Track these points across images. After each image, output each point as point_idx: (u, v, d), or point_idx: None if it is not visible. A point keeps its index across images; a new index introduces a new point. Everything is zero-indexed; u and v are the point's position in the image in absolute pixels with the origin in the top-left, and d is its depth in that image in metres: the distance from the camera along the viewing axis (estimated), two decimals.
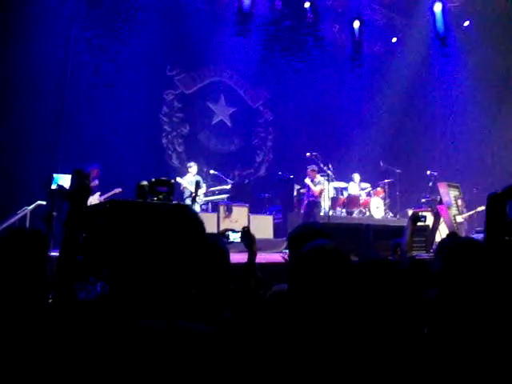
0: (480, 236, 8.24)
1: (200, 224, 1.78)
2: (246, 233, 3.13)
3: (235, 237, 3.16)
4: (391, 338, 1.39)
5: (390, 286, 1.49)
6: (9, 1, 9.44)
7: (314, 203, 10.82)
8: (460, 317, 1.84)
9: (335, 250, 1.72)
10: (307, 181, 11.01)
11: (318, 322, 1.56)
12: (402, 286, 1.51)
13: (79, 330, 1.76)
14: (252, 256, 3.06)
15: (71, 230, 1.86)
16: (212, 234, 2.69)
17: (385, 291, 1.48)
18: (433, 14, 14.51)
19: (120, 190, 9.26)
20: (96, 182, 9.12)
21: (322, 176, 11.73)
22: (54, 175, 6.19)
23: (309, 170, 11.02)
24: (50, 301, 1.89)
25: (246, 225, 3.40)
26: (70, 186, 1.94)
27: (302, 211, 11.26)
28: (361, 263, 1.62)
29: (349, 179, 13.38)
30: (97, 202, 8.35)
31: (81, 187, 1.91)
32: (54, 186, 4.98)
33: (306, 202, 11.01)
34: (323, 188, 11.02)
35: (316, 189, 10.83)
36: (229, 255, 2.38)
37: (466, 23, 14.51)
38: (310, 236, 2.20)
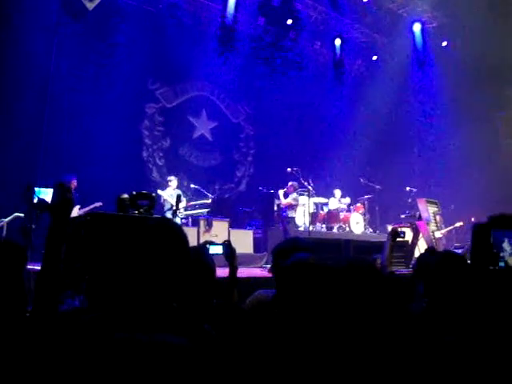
0: (459, 251, 8.32)
1: (184, 238, 1.77)
2: (227, 246, 3.10)
3: (215, 250, 3.09)
4: (379, 346, 1.39)
5: (374, 288, 1.50)
6: None
7: (287, 218, 10.89)
8: (448, 328, 1.85)
9: (318, 262, 1.74)
10: (280, 191, 11.13)
11: (303, 331, 1.57)
12: (385, 288, 1.51)
13: (57, 344, 1.73)
14: (233, 270, 3.04)
15: (54, 243, 1.83)
16: (196, 248, 2.67)
17: (369, 294, 1.49)
18: (412, 33, 14.81)
19: (100, 203, 9.16)
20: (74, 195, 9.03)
21: (302, 191, 11.80)
22: (36, 189, 6.11)
23: (290, 184, 11.11)
24: (28, 314, 1.86)
25: (226, 239, 3.37)
26: (52, 200, 1.92)
27: (280, 227, 11.30)
28: (340, 267, 1.62)
29: (329, 195, 13.45)
30: (76, 215, 8.24)
31: (63, 201, 1.89)
32: (35, 200, 4.92)
33: (282, 217, 11.09)
34: (292, 203, 11.05)
35: (284, 201, 10.93)
36: (215, 269, 2.37)
37: (444, 43, 14.82)
38: (293, 251, 2.21)
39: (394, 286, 1.50)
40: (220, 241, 3.18)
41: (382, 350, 1.37)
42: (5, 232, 7.56)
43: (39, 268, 1.84)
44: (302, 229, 11.69)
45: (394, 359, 1.37)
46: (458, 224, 11.49)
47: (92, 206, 9.09)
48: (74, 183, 9.14)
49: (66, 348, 1.62)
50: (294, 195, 11.15)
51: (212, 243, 3.10)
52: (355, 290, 1.47)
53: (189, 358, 1.21)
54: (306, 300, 1.64)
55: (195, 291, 2.14)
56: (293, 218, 11.16)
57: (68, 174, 9.09)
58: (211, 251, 3.03)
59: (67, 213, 1.91)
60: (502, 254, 2.64)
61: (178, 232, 1.77)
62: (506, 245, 2.75)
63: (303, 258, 1.79)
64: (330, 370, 1.38)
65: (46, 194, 6.54)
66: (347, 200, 13.54)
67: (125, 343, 1.17)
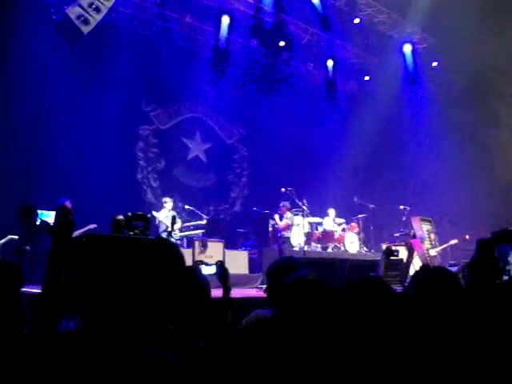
0: (454, 269, 8.34)
1: (180, 256, 1.79)
2: (220, 267, 3.08)
3: (208, 270, 3.07)
4: (388, 368, 1.37)
5: (384, 306, 1.44)
6: None
7: (281, 238, 10.95)
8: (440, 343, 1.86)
9: (316, 279, 1.76)
10: (275, 216, 11.22)
11: (304, 350, 1.58)
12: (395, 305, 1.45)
13: (53, 364, 1.73)
14: (226, 291, 3.01)
15: (55, 265, 1.85)
16: (189, 268, 2.66)
17: (379, 312, 1.43)
18: (403, 54, 15.02)
19: (95, 225, 9.12)
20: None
21: (296, 211, 11.84)
22: (39, 211, 6.12)
23: (280, 205, 11.22)
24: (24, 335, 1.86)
25: (219, 259, 3.37)
26: (55, 222, 1.94)
27: (275, 247, 11.31)
28: (347, 286, 1.60)
29: (323, 214, 13.46)
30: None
31: (65, 223, 1.91)
32: (38, 222, 4.93)
33: (277, 237, 11.14)
34: (289, 223, 11.15)
35: (281, 223, 10.99)
36: (209, 289, 2.36)
37: (435, 64, 15.02)
38: (288, 270, 2.22)
39: (403, 304, 1.47)
40: (215, 262, 3.17)
41: (391, 371, 1.34)
42: None
43: (35, 290, 1.86)
44: (296, 249, 11.68)
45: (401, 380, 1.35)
46: (452, 242, 11.51)
47: (86, 228, 9.04)
48: (68, 205, 9.12)
49: (62, 368, 1.63)
50: (289, 215, 11.21)
51: (204, 263, 3.10)
52: (364, 307, 1.42)
53: (183, 374, 1.20)
54: (307, 318, 1.65)
55: (190, 311, 2.14)
56: (288, 238, 11.19)
57: (62, 197, 9.09)
58: (204, 272, 2.99)
59: (68, 235, 1.93)
60: (508, 268, 2.68)
61: (174, 250, 1.78)
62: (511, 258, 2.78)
63: (303, 275, 1.81)
64: None
65: (48, 216, 6.54)
66: (341, 220, 13.57)
67: (122, 360, 1.17)
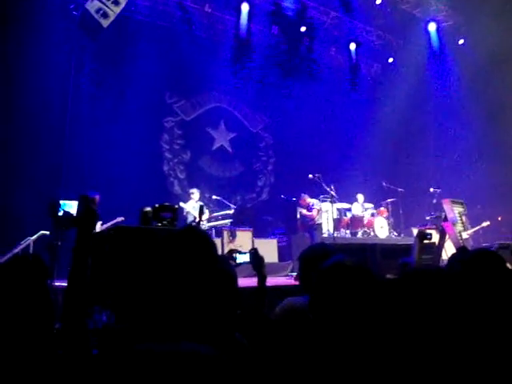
0: None
1: (211, 243, 1.74)
2: (254, 254, 2.94)
3: (242, 258, 2.96)
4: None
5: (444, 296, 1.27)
6: (11, 33, 9.53)
7: (313, 226, 10.82)
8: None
9: (355, 264, 1.69)
10: (302, 211, 11.12)
11: (342, 339, 1.52)
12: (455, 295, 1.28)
13: (87, 364, 1.70)
14: (262, 279, 2.89)
15: (80, 255, 1.82)
16: (220, 257, 2.59)
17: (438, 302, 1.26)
18: (427, 33, 14.68)
19: (122, 218, 9.17)
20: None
21: (324, 197, 11.74)
22: (61, 201, 6.15)
23: (299, 200, 11.17)
24: (56, 330, 1.84)
25: (252, 247, 3.27)
26: (77, 212, 1.91)
27: (306, 235, 11.24)
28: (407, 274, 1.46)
29: (351, 200, 13.35)
30: (99, 230, 8.26)
31: (88, 212, 1.88)
32: (60, 213, 4.94)
33: (308, 225, 11.02)
34: (318, 208, 11.01)
35: (313, 213, 10.86)
36: (236, 280, 2.29)
37: (461, 41, 14.64)
38: (321, 256, 2.16)
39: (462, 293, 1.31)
40: (245, 251, 3.09)
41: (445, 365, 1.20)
42: (31, 250, 7.63)
43: (66, 283, 1.83)
44: (325, 235, 11.62)
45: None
46: (484, 224, 11.28)
47: (114, 221, 9.10)
48: (97, 199, 9.19)
49: (88, 360, 1.60)
50: (314, 201, 11.09)
51: (238, 252, 2.98)
52: (426, 297, 1.26)
53: (217, 367, 1.15)
54: (347, 304, 1.58)
55: (219, 300, 2.08)
56: (319, 225, 11.08)
57: (91, 191, 9.16)
58: (238, 260, 2.93)
59: (92, 224, 1.90)
60: None
61: (205, 238, 1.73)
62: None
63: (340, 260, 1.73)
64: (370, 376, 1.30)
65: (71, 206, 6.57)
66: (370, 205, 13.43)
67: (144, 355, 1.12)
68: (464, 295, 1.22)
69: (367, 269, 1.69)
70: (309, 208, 10.98)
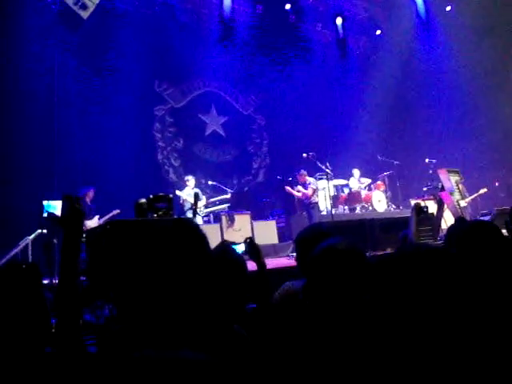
0: (486, 218, 8.18)
1: (202, 237, 1.71)
2: (250, 244, 2.81)
3: (238, 249, 2.76)
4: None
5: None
6: None
7: (310, 204, 10.80)
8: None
9: (348, 247, 1.66)
10: (299, 187, 11.07)
11: (336, 323, 1.50)
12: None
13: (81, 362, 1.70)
14: (261, 268, 2.76)
15: (67, 256, 1.80)
16: (218, 247, 2.51)
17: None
18: (414, 2, 14.55)
19: (118, 211, 9.15)
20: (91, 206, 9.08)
21: (320, 175, 11.73)
22: (44, 203, 6.12)
23: (297, 175, 11.08)
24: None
25: (249, 233, 3.24)
26: (62, 212, 1.88)
27: (304, 213, 11.23)
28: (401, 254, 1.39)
29: (348, 176, 13.34)
30: (96, 225, 8.25)
31: (72, 212, 1.85)
32: (44, 215, 4.91)
33: (305, 204, 11.00)
34: (314, 188, 10.98)
35: (308, 191, 10.83)
36: (245, 265, 2.21)
37: (448, 8, 14.50)
38: (317, 238, 2.13)
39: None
40: (243, 235, 3.06)
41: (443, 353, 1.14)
42: (30, 249, 7.63)
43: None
44: (324, 213, 11.62)
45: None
46: (482, 191, 11.32)
47: (111, 215, 9.10)
48: (91, 194, 9.17)
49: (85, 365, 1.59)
50: (311, 180, 11.07)
51: (232, 243, 2.78)
52: (423, 277, 1.18)
53: (207, 374, 1.12)
54: (339, 289, 1.56)
55: (225, 292, 2.03)
56: (316, 203, 11.07)
57: (85, 186, 9.14)
58: None
59: (79, 224, 1.86)
60: None
61: (193, 231, 1.71)
62: None
63: (332, 244, 1.70)
64: (366, 365, 1.26)
65: (55, 208, 6.54)
66: (367, 180, 13.42)
67: (145, 361, 1.10)
68: (459, 276, 1.18)
69: (359, 252, 1.67)
70: (305, 186, 10.95)
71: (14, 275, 1.75)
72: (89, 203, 9.11)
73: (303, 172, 11.06)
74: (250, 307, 2.55)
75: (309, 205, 10.79)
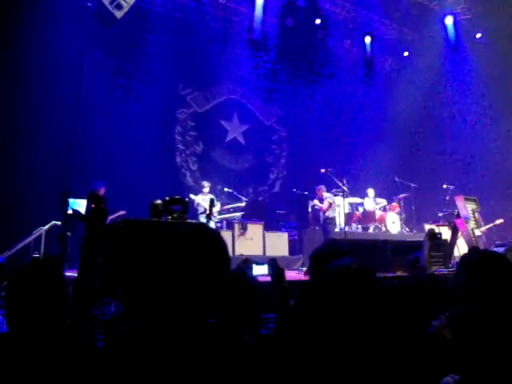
0: (501, 250, 8.07)
1: (223, 244, 1.71)
2: (273, 266, 2.58)
3: (259, 270, 2.72)
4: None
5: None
6: (24, 25, 9.53)
7: (328, 219, 10.76)
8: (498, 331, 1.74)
9: (360, 268, 1.66)
10: (315, 201, 11.11)
11: (341, 342, 1.50)
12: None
13: (92, 353, 1.72)
14: (283, 296, 2.47)
15: (89, 253, 1.83)
16: (236, 271, 2.41)
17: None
18: (444, 27, 14.49)
19: (124, 212, 9.13)
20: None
21: (336, 192, 11.70)
22: (70, 200, 6.16)
23: (316, 189, 11.08)
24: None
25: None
26: (86, 211, 1.91)
27: (317, 228, 11.20)
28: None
29: (363, 195, 13.28)
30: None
31: (98, 211, 1.88)
32: (69, 211, 4.94)
33: (321, 219, 10.97)
34: (330, 201, 10.94)
35: (323, 205, 10.81)
36: (259, 292, 2.18)
37: (479, 35, 14.42)
38: (332, 256, 2.13)
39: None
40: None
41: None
42: (43, 240, 7.69)
43: (75, 276, 1.85)
44: (337, 230, 11.58)
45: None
46: (498, 221, 11.17)
47: (116, 215, 9.05)
48: (102, 190, 9.16)
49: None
50: (328, 195, 11.04)
51: (255, 262, 2.70)
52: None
53: None
54: (346, 309, 1.56)
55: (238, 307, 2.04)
56: (333, 218, 11.04)
57: (97, 182, 9.17)
58: (255, 272, 2.65)
59: (102, 223, 1.90)
60: None
61: (215, 237, 1.70)
62: None
63: (346, 264, 1.70)
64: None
65: (80, 205, 6.57)
66: (382, 200, 13.34)
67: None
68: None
69: (371, 275, 1.66)
70: (322, 201, 10.95)
71: (39, 270, 1.80)
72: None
73: (322, 187, 11.05)
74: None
75: (325, 220, 10.75)
